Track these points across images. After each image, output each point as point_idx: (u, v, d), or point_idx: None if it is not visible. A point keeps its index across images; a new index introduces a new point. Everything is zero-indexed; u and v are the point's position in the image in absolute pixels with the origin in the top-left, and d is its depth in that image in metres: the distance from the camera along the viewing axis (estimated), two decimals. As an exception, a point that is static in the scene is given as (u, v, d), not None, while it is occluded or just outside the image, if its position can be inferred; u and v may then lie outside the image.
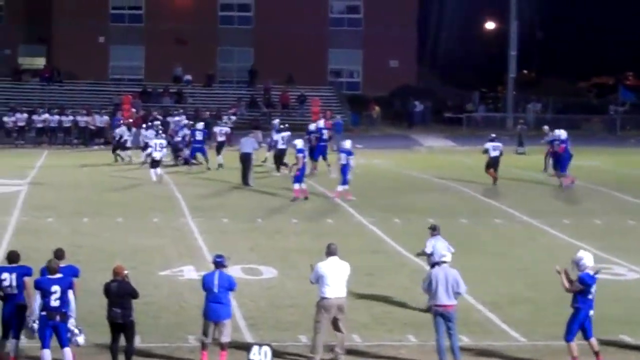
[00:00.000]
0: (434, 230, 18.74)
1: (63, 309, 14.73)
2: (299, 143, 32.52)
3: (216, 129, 41.49)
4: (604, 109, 69.04)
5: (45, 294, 14.67)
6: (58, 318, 14.68)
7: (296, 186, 31.40)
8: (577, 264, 15.78)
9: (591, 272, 15.65)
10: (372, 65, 68.90)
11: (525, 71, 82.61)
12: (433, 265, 17.77)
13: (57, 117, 50.65)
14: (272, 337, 16.59)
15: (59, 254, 15.50)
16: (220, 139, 40.33)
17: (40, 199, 30.97)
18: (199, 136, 39.52)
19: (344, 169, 31.00)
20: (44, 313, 14.69)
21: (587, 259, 15.76)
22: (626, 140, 58.73)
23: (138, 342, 15.65)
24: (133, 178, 36.45)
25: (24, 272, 15.14)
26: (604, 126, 65.65)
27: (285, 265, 21.93)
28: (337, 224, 27.38)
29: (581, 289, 15.54)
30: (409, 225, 27.40)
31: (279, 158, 37.71)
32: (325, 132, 39.76)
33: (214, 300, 15.38)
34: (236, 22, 69.37)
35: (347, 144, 31.63)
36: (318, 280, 15.77)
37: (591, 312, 15.69)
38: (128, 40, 67.34)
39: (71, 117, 50.78)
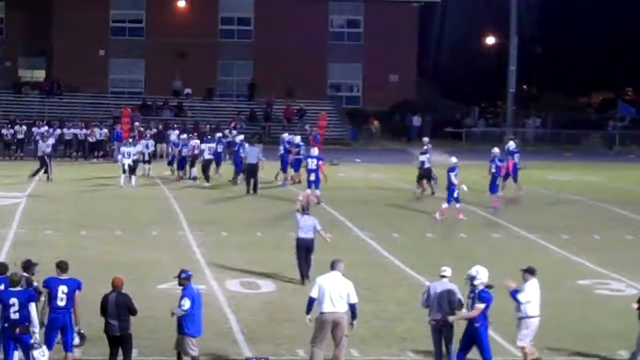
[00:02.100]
0: (302, 209, 21.87)
1: (24, 322, 14.53)
2: (315, 151, 34.53)
3: (193, 143, 41.12)
4: (603, 124, 69.19)
5: (5, 307, 14.52)
6: (18, 331, 14.50)
7: (311, 191, 32.91)
8: (471, 279, 15.48)
9: (483, 287, 15.41)
10: (372, 80, 68.98)
11: (525, 86, 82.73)
12: (299, 240, 21.45)
13: (57, 130, 50.57)
14: (270, 351, 16.59)
15: (63, 266, 15.42)
16: (196, 152, 40.15)
17: (39, 212, 30.95)
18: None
19: (451, 187, 30.98)
20: (6, 325, 14.53)
21: (482, 274, 15.46)
22: (625, 156, 58.78)
23: (135, 356, 15.61)
24: (132, 191, 36.45)
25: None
26: (603, 141, 65.74)
27: (284, 279, 21.90)
28: (335, 238, 27.17)
29: (484, 307, 15.27)
30: (407, 240, 27.40)
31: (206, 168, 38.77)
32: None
33: (198, 315, 15.31)
34: (236, 35, 69.48)
35: (453, 159, 31.74)
36: (319, 295, 15.69)
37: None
38: (128, 53, 67.46)
39: (71, 130, 50.69)
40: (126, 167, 37.08)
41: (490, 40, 75.45)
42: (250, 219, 30.38)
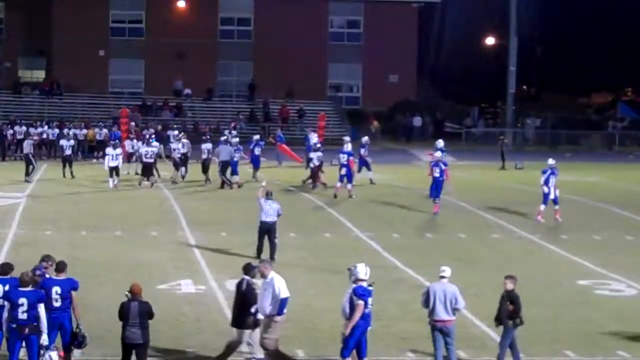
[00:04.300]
0: (266, 195, 23.67)
1: (33, 322, 14.49)
2: (348, 147, 36.35)
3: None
4: (603, 124, 69.18)
5: (13, 306, 14.47)
6: (27, 331, 14.47)
7: (346, 185, 34.87)
8: (350, 275, 15.39)
9: (365, 285, 15.18)
10: (372, 80, 68.98)
11: (524, 87, 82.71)
12: (262, 223, 23.42)
13: (56, 130, 50.50)
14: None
15: (58, 267, 15.40)
16: (184, 150, 39.35)
17: (39, 212, 30.94)
18: (257, 151, 40.05)
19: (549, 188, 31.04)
20: (14, 326, 14.49)
21: (360, 270, 15.27)
22: (625, 156, 58.78)
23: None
24: (132, 192, 36.46)
25: (16, 284, 15.00)
26: (602, 142, 65.74)
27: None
28: (334, 238, 27.38)
29: (362, 304, 14.97)
30: (407, 240, 27.39)
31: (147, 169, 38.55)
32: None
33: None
34: (236, 36, 69.46)
35: (551, 161, 31.86)
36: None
37: (369, 328, 15.24)
38: (128, 53, 67.45)
39: (72, 130, 50.57)
40: (112, 167, 36.64)
41: (490, 40, 75.43)
42: (250, 219, 30.20)
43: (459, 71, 75.77)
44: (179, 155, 38.98)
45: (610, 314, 19.61)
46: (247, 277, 15.83)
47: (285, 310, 15.59)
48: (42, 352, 14.58)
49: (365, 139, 40.85)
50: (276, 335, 15.51)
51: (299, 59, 65.43)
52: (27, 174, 38.57)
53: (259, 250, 23.88)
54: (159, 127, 50.81)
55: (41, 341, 14.57)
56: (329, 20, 70.39)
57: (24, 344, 14.61)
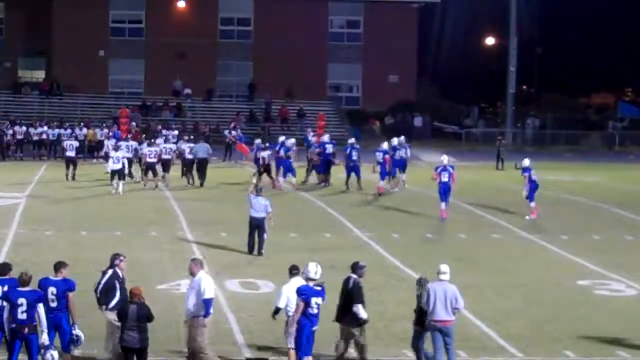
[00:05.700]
0: (256, 191, 24.55)
1: (32, 322, 14.47)
2: (385, 145, 37.17)
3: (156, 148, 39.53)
4: (603, 124, 69.22)
5: (13, 306, 14.45)
6: (26, 331, 14.45)
7: (381, 183, 35.94)
8: (300, 273, 15.48)
9: (311, 284, 15.21)
10: (372, 80, 68.97)
11: (524, 87, 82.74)
12: (251, 219, 24.36)
13: (56, 131, 50.47)
14: (270, 351, 16.59)
15: (56, 267, 15.37)
16: (150, 159, 37.40)
17: (39, 212, 30.93)
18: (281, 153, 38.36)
19: (532, 187, 31.27)
20: (13, 325, 14.48)
21: (311, 269, 15.36)
22: (625, 156, 58.81)
23: (135, 356, 15.58)
24: (132, 192, 36.46)
25: (15, 284, 14.99)
26: (602, 142, 65.78)
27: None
28: (335, 239, 27.37)
29: (303, 303, 15.01)
30: (407, 240, 27.39)
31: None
32: (328, 146, 39.90)
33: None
34: (236, 36, 69.48)
35: (527, 161, 31.85)
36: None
37: (314, 328, 15.21)
38: (128, 53, 67.44)
39: (70, 131, 50.57)
40: (115, 170, 35.76)
41: (490, 40, 75.46)
42: (250, 219, 30.34)
43: (459, 71, 75.80)
44: (169, 156, 38.53)
45: (610, 314, 19.61)
46: (354, 276, 15.87)
47: (211, 311, 15.46)
48: (42, 351, 14.57)
49: (401, 138, 40.00)
50: (205, 336, 15.42)
51: (299, 59, 65.40)
52: None
53: (251, 245, 24.67)
54: (159, 127, 50.86)
55: (42, 340, 14.57)
56: (329, 20, 70.39)
57: (23, 344, 14.61)
